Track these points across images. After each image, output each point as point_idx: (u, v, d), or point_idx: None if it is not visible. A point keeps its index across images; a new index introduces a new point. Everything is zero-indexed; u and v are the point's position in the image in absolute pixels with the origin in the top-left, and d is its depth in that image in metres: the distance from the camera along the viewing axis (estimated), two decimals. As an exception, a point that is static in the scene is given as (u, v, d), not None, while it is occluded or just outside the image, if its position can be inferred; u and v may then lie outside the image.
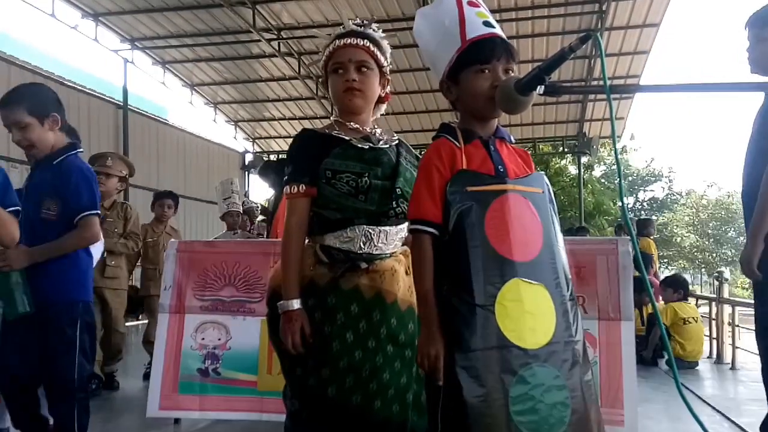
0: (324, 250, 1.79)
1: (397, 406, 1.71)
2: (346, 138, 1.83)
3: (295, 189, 1.79)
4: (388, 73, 1.94)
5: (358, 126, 1.88)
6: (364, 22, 1.92)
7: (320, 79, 2.02)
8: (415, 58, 11.25)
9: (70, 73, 12.98)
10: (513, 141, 1.66)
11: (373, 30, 1.90)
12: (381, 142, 1.88)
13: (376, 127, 1.94)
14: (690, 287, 7.23)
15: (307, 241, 1.83)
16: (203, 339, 3.28)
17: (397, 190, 1.79)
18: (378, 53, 1.87)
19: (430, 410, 1.49)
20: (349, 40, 1.84)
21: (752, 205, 2.41)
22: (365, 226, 1.77)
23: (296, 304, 1.73)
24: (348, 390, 1.68)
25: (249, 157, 17.24)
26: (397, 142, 1.94)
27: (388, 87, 1.97)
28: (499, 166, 1.53)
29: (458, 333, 1.40)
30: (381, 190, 1.78)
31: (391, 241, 1.82)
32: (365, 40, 1.85)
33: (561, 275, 1.50)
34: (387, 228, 1.80)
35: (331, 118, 1.94)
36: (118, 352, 4.81)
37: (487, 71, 1.53)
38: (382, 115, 2.02)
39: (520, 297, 1.42)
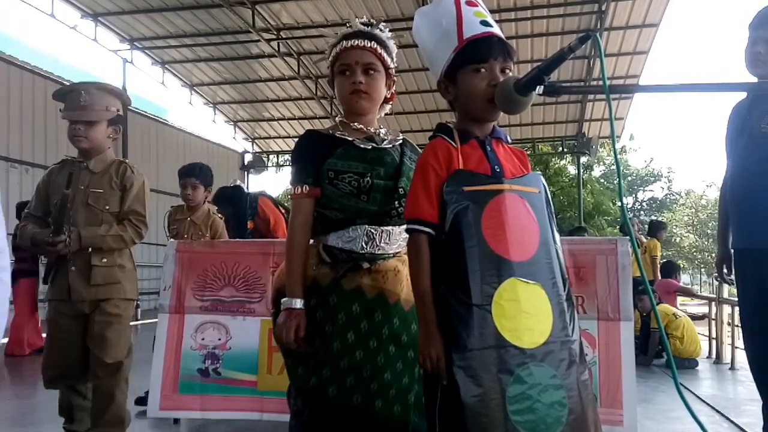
0: (327, 250, 1.80)
1: (398, 406, 1.70)
2: (349, 138, 1.84)
3: (299, 190, 1.81)
4: (394, 74, 1.94)
5: (362, 126, 1.88)
6: (372, 22, 1.91)
7: (326, 79, 2.02)
8: (415, 58, 11.28)
9: (70, 73, 12.98)
10: (510, 141, 1.66)
11: (380, 30, 1.90)
12: (385, 142, 1.88)
13: (381, 127, 1.94)
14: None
15: (311, 241, 1.84)
16: (203, 339, 3.27)
17: (400, 189, 1.79)
18: (384, 55, 1.87)
19: (428, 410, 1.49)
20: (356, 42, 1.84)
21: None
22: (367, 226, 1.78)
23: (299, 303, 1.75)
24: (348, 390, 1.68)
25: (248, 157, 17.25)
26: (401, 141, 1.94)
27: (394, 87, 1.97)
28: (496, 166, 1.53)
29: (455, 332, 1.40)
30: (383, 190, 1.79)
31: (395, 241, 1.82)
32: (372, 42, 1.85)
33: (558, 275, 1.50)
34: (390, 228, 1.80)
35: (337, 118, 1.94)
36: (118, 424, 2.76)
37: (483, 71, 1.53)
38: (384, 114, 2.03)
39: (517, 296, 1.42)
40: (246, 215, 4.98)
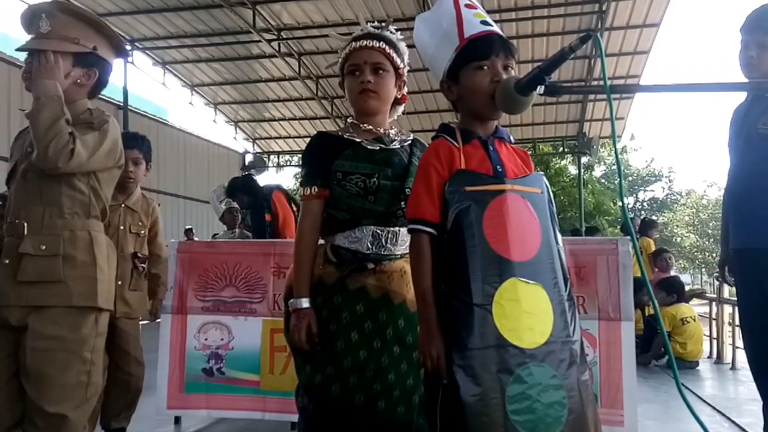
0: (333, 249, 1.82)
1: (402, 407, 1.71)
2: (358, 140, 1.86)
3: (308, 191, 1.84)
4: (404, 74, 1.95)
5: (371, 127, 1.90)
6: (381, 24, 1.94)
7: (338, 82, 2.04)
8: (415, 59, 11.09)
9: (71, 74, 12.96)
10: (512, 141, 1.67)
11: (390, 32, 1.92)
12: (394, 143, 1.90)
13: (391, 127, 1.95)
14: (690, 287, 7.21)
15: (321, 240, 1.87)
16: (206, 339, 3.30)
17: (407, 190, 1.80)
18: (394, 55, 1.89)
19: (429, 409, 1.50)
20: (364, 42, 1.86)
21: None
22: (373, 227, 1.79)
23: (305, 303, 1.77)
24: (351, 389, 1.69)
25: (249, 158, 17.25)
26: (410, 141, 1.95)
27: (405, 88, 1.98)
28: (498, 166, 1.54)
29: (456, 332, 1.41)
30: (390, 191, 1.81)
31: (402, 242, 1.83)
32: (381, 42, 1.87)
33: (559, 275, 1.50)
34: (396, 229, 1.82)
35: (348, 120, 1.96)
36: None
37: (486, 67, 1.54)
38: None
39: (518, 296, 1.42)
40: (263, 204, 4.95)
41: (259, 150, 17.48)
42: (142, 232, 3.18)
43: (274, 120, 15.97)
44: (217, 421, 3.58)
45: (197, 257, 3.38)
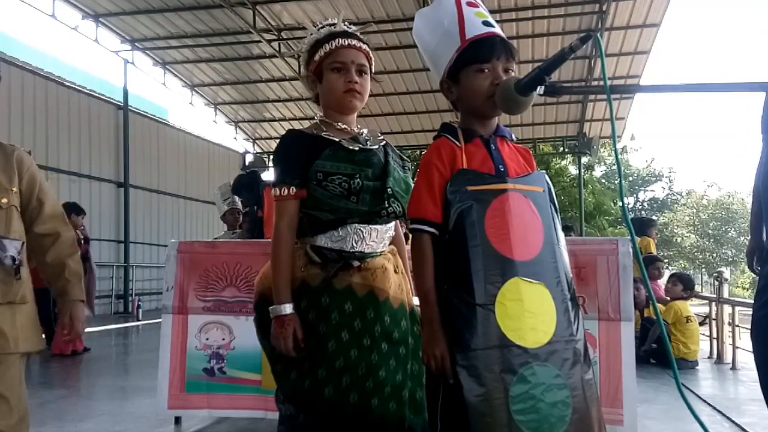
0: (315, 250, 1.77)
1: (393, 404, 1.70)
2: (336, 139, 1.82)
3: (285, 191, 1.76)
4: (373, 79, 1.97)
5: (345, 126, 1.88)
6: (352, 29, 1.94)
7: (307, 75, 2.01)
8: (415, 58, 11.27)
9: (71, 74, 13.02)
10: (514, 139, 1.67)
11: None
12: (369, 143, 1.88)
13: (361, 127, 1.94)
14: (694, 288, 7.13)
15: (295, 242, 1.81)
16: (207, 339, 3.30)
17: (388, 189, 1.78)
18: (372, 59, 1.91)
19: (430, 409, 1.49)
20: (352, 42, 1.86)
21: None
22: (357, 225, 1.77)
23: (288, 308, 1.71)
24: (345, 389, 1.67)
25: (249, 158, 17.27)
26: (384, 142, 1.94)
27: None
28: (500, 166, 1.53)
29: (459, 332, 1.41)
30: (372, 191, 1.78)
31: (381, 239, 1.82)
32: (364, 45, 1.88)
33: (562, 274, 1.50)
34: (377, 227, 1.80)
35: (318, 117, 1.91)
36: None
37: (486, 70, 1.53)
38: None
39: (521, 296, 1.42)
40: (259, 200, 4.96)
41: (259, 150, 17.49)
42: (4, 200, 1.75)
43: (275, 120, 15.99)
44: (217, 420, 3.58)
45: (198, 257, 3.38)
